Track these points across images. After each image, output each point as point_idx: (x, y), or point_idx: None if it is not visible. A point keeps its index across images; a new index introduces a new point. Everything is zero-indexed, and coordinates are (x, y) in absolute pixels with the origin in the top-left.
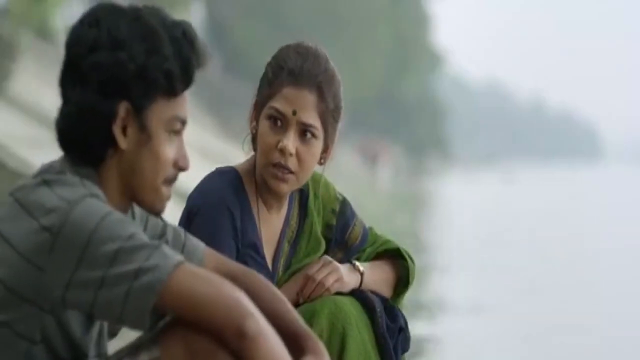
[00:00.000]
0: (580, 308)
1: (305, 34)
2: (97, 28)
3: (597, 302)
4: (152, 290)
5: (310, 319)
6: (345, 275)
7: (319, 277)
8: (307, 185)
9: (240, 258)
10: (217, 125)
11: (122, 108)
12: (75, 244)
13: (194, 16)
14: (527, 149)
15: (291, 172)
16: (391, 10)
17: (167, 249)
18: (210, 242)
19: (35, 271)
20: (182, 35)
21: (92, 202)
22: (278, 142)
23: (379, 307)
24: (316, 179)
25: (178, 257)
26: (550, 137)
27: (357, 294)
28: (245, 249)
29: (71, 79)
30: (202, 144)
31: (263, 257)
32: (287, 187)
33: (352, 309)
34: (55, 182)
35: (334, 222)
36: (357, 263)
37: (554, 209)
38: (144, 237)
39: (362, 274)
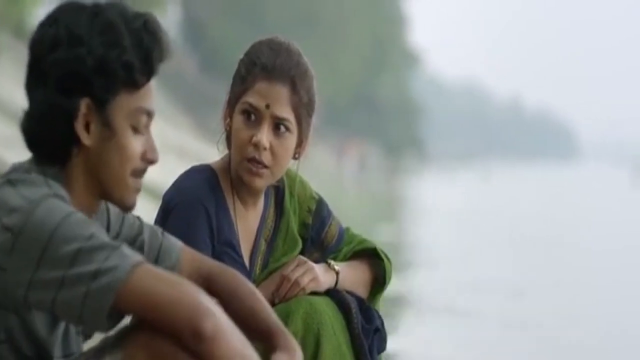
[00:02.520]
0: (558, 306)
1: (281, 33)
2: (55, 26)
3: (575, 300)
4: (110, 291)
5: (285, 319)
6: (320, 275)
7: (294, 276)
8: (282, 183)
9: (216, 256)
10: (193, 124)
11: (83, 104)
12: (36, 243)
13: (171, 16)
14: (505, 149)
15: (265, 166)
16: (368, 9)
17: (126, 250)
18: (185, 239)
19: None
20: (143, 26)
21: (53, 202)
22: (252, 136)
23: (354, 307)
24: (292, 177)
25: (137, 257)
26: (528, 137)
27: (333, 294)
28: (222, 247)
29: (34, 79)
30: (179, 143)
31: (240, 255)
32: (262, 182)
33: (327, 310)
34: (19, 181)
35: (309, 221)
36: (333, 262)
37: (531, 207)
38: (104, 238)
39: (337, 274)
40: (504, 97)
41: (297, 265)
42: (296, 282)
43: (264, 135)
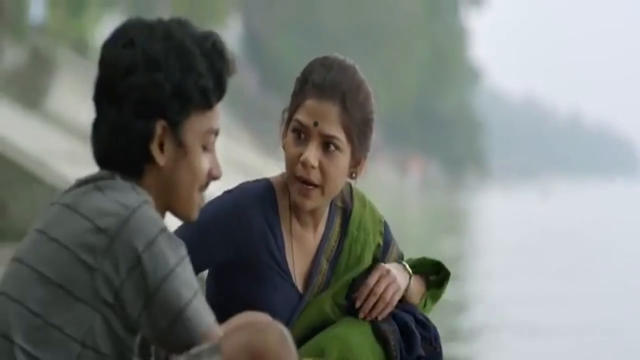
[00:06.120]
0: (618, 329)
1: (342, 48)
2: (131, 48)
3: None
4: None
5: (319, 358)
6: (400, 281)
7: (379, 290)
8: (349, 206)
9: (260, 271)
10: (253, 139)
11: (159, 126)
12: (132, 250)
13: (231, 31)
14: (564, 164)
15: (315, 185)
16: (428, 24)
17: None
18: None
19: (87, 270)
20: (212, 47)
21: (149, 211)
22: (300, 154)
23: (392, 339)
24: (362, 200)
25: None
26: (588, 152)
27: (373, 323)
28: (268, 262)
29: (107, 98)
30: (239, 158)
31: (287, 273)
32: (311, 203)
33: (363, 343)
34: (107, 187)
35: (381, 242)
36: (407, 265)
37: (592, 225)
38: (190, 268)
39: (410, 277)
40: (564, 112)
41: (381, 277)
42: (382, 298)
43: (312, 154)
